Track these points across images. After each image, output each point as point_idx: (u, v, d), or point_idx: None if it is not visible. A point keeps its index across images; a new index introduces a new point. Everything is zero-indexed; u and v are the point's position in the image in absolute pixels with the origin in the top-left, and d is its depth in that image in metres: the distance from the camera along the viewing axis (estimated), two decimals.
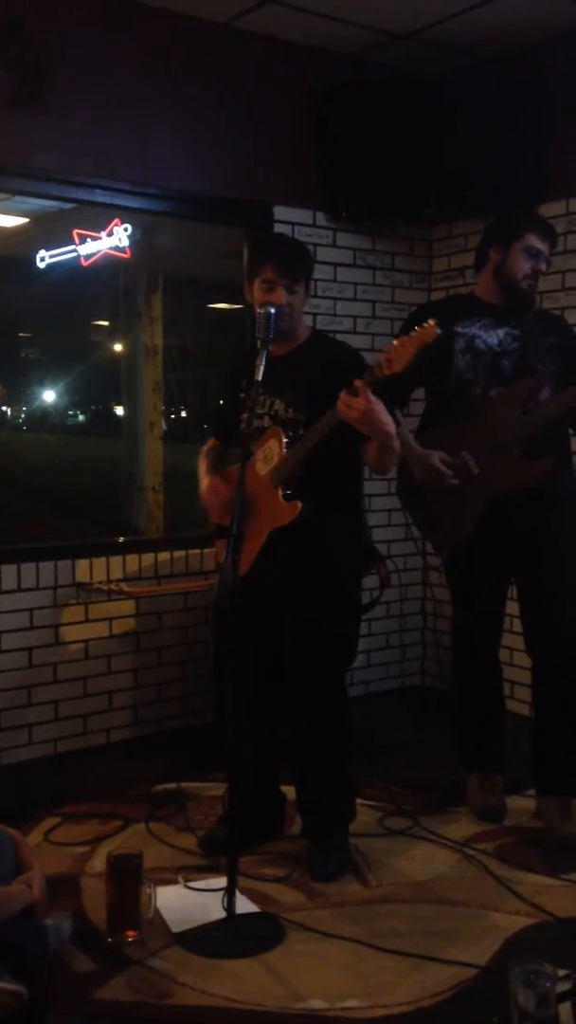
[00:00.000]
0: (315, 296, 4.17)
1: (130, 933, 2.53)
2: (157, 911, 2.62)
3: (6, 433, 18.36)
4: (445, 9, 3.86)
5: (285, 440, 2.78)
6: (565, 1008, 2.17)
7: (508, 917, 2.68)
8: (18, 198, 5.07)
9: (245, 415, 2.78)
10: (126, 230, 4.78)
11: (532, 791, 3.32)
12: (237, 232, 4.33)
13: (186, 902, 2.71)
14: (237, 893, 2.59)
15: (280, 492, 2.77)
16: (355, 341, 3.94)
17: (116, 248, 4.75)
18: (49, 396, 17.86)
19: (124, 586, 3.98)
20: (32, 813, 3.29)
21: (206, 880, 2.81)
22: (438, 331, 2.44)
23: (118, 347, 7.33)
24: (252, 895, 2.76)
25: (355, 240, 4.51)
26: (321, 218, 4.39)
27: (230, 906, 2.57)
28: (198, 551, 4.23)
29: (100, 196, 3.92)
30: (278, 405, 2.87)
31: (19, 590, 3.80)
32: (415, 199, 4.24)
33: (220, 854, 2.83)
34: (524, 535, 3.15)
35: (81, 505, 9.32)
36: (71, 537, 6.90)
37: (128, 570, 4.07)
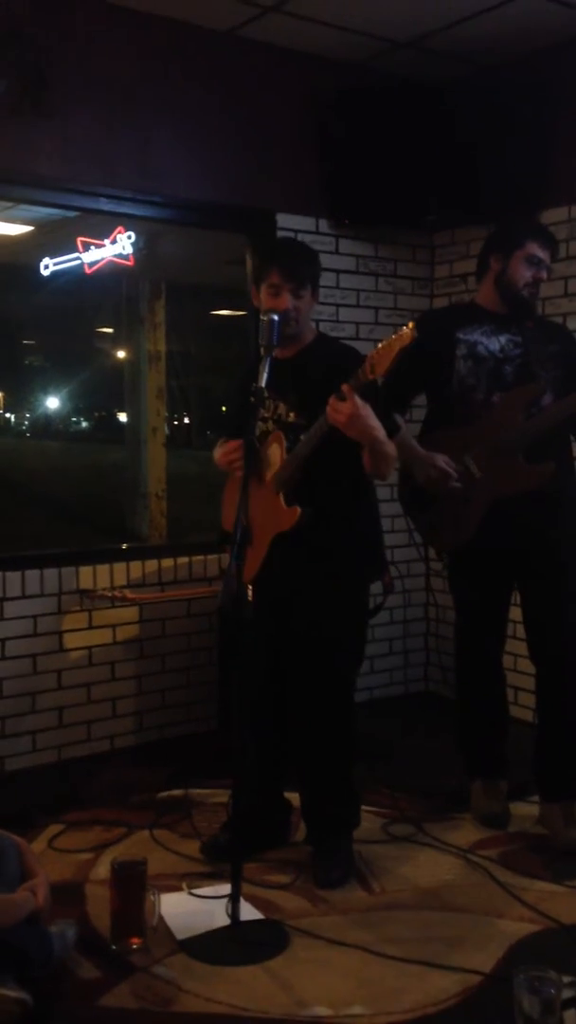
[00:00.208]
0: (318, 302, 4.18)
1: (134, 940, 2.53)
2: (161, 918, 2.62)
3: (10, 440, 18.40)
4: (447, 16, 3.87)
5: (286, 444, 2.78)
6: (570, 1014, 2.17)
7: (512, 923, 2.67)
8: (22, 206, 5.08)
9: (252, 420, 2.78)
10: (130, 237, 4.80)
11: (536, 797, 3.31)
12: (240, 239, 4.34)
13: (190, 909, 2.71)
14: (241, 900, 2.59)
15: (281, 497, 2.78)
16: (357, 347, 3.93)
17: (120, 255, 4.77)
18: (52, 402, 17.90)
19: (128, 593, 3.99)
20: (36, 820, 3.29)
21: (210, 887, 2.81)
22: (415, 334, 2.45)
23: (121, 354, 7.34)
24: (256, 902, 2.76)
25: (357, 247, 4.52)
26: (323, 225, 4.40)
27: (234, 913, 2.57)
28: (201, 557, 4.23)
29: (104, 204, 3.94)
30: (282, 408, 2.88)
31: (23, 597, 3.80)
32: (417, 206, 4.24)
33: (223, 861, 2.83)
34: (526, 539, 3.15)
35: (84, 511, 9.33)
36: (74, 544, 6.89)
37: (132, 577, 4.07)
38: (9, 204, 5.04)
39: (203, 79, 4.02)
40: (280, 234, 4.25)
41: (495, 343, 3.16)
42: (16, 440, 18.44)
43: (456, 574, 3.38)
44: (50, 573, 3.86)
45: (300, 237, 4.27)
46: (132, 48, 3.85)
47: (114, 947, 2.53)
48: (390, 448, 2.69)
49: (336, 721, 2.95)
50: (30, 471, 13.12)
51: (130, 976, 2.42)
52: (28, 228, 6.09)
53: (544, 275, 3.17)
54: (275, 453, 2.81)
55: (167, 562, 4.17)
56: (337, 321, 4.46)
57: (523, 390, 3.11)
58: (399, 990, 2.37)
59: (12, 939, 2.25)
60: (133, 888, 2.54)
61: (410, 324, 2.48)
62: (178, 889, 2.83)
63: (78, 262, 5.06)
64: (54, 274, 5.46)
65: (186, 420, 16.64)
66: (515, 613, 3.34)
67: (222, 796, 3.40)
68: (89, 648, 3.97)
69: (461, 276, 4.60)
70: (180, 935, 2.59)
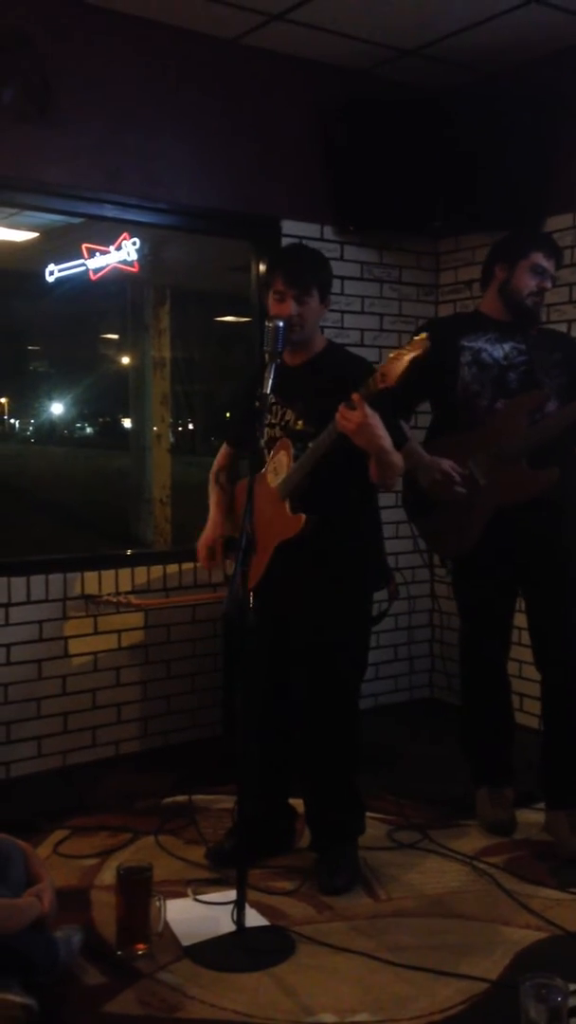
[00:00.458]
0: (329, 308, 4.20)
1: (140, 946, 2.53)
2: (167, 924, 2.62)
3: (15, 446, 18.44)
4: (451, 25, 3.88)
5: (293, 452, 2.79)
6: None
7: (518, 931, 2.67)
8: (28, 213, 5.10)
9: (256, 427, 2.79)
10: (134, 244, 4.82)
11: (542, 804, 3.31)
12: (244, 246, 4.36)
13: (196, 915, 2.71)
14: (247, 906, 2.59)
15: (287, 504, 2.78)
16: (362, 354, 3.94)
17: (124, 262, 4.79)
18: (57, 409, 17.96)
19: (132, 598, 3.99)
20: (42, 825, 3.29)
21: (216, 893, 2.81)
22: (428, 344, 2.45)
23: (126, 360, 7.36)
24: (262, 908, 2.75)
25: (362, 253, 4.53)
26: (328, 232, 4.41)
27: (240, 919, 2.56)
28: None
29: (109, 211, 3.94)
30: (289, 416, 2.88)
31: (28, 602, 3.81)
32: (422, 212, 4.25)
33: (228, 867, 2.83)
34: (530, 545, 3.16)
35: (89, 517, 9.36)
36: (79, 549, 6.91)
37: (136, 582, 4.07)
38: (14, 210, 5.07)
39: (208, 86, 4.04)
40: (285, 241, 4.26)
41: (499, 350, 3.17)
42: (21, 446, 18.49)
43: (460, 580, 3.38)
44: (55, 578, 3.87)
45: (305, 243, 4.29)
46: (137, 56, 3.87)
47: (119, 953, 2.53)
48: (396, 458, 2.70)
49: (340, 728, 2.95)
50: (35, 477, 13.16)
51: (135, 982, 2.42)
52: (33, 234, 6.11)
53: (548, 284, 3.18)
54: (282, 460, 2.82)
55: (172, 568, 4.17)
56: (342, 328, 4.47)
57: (527, 397, 3.12)
58: (405, 997, 2.36)
59: (18, 944, 2.25)
60: (139, 894, 2.54)
61: (423, 335, 2.47)
62: (183, 895, 2.83)
63: (83, 268, 5.09)
64: (59, 280, 5.49)
65: (191, 426, 16.67)
66: (520, 619, 3.34)
67: (227, 802, 3.39)
68: (94, 654, 3.97)
69: (466, 282, 4.61)
70: (185, 941, 2.58)
